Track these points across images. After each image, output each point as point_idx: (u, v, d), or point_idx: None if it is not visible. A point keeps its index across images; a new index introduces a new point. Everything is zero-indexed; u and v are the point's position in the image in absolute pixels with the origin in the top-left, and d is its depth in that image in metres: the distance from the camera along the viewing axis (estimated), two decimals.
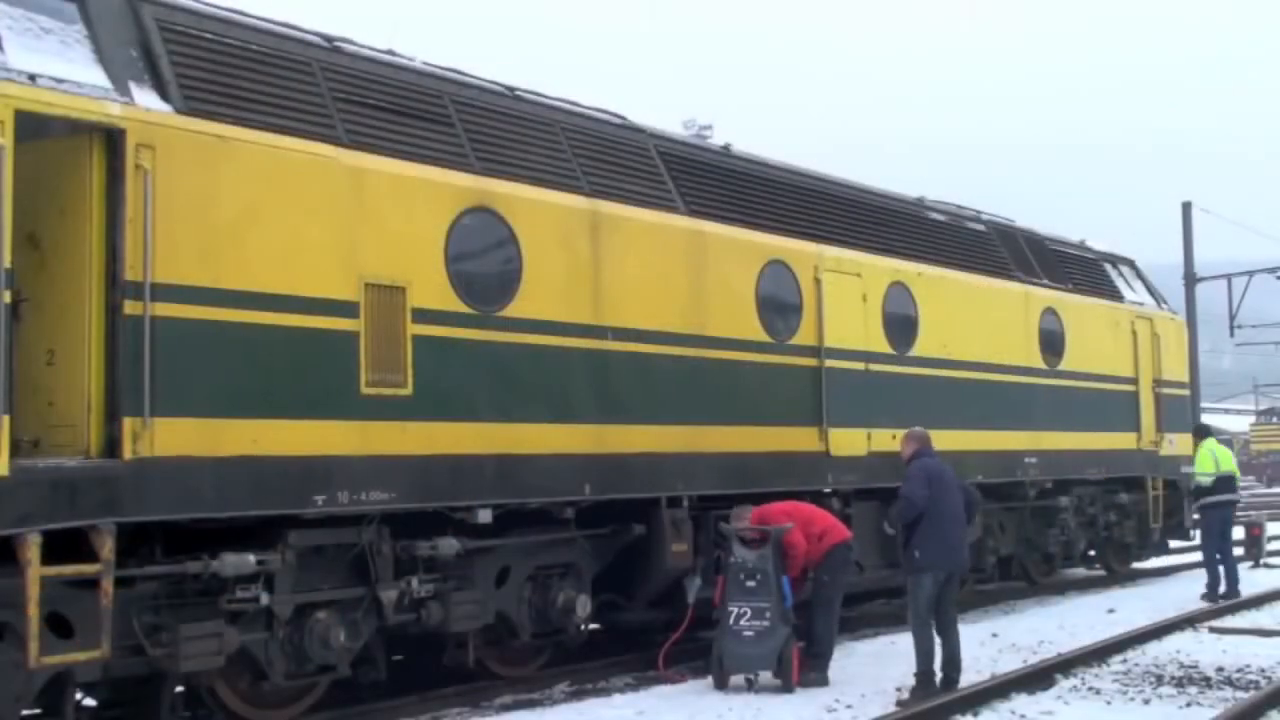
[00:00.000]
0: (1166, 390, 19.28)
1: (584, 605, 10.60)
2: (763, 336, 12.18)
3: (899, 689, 9.97)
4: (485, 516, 9.58)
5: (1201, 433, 17.25)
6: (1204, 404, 49.42)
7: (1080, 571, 19.33)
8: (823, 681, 10.44)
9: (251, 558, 8.10)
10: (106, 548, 7.27)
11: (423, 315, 9.17)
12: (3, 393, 6.90)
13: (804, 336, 12.65)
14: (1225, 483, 16.63)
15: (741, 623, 10.31)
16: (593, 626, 11.63)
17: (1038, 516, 16.72)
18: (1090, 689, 10.16)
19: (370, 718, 9.59)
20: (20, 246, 7.29)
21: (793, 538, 10.67)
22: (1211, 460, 16.59)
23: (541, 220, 10.16)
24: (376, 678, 9.58)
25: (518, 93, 10.80)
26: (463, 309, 9.48)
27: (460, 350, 9.43)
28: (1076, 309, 17.31)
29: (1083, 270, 18.34)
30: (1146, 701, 9.70)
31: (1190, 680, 10.46)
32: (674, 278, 11.31)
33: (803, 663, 10.52)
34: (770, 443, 12.01)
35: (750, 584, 10.42)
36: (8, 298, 7.04)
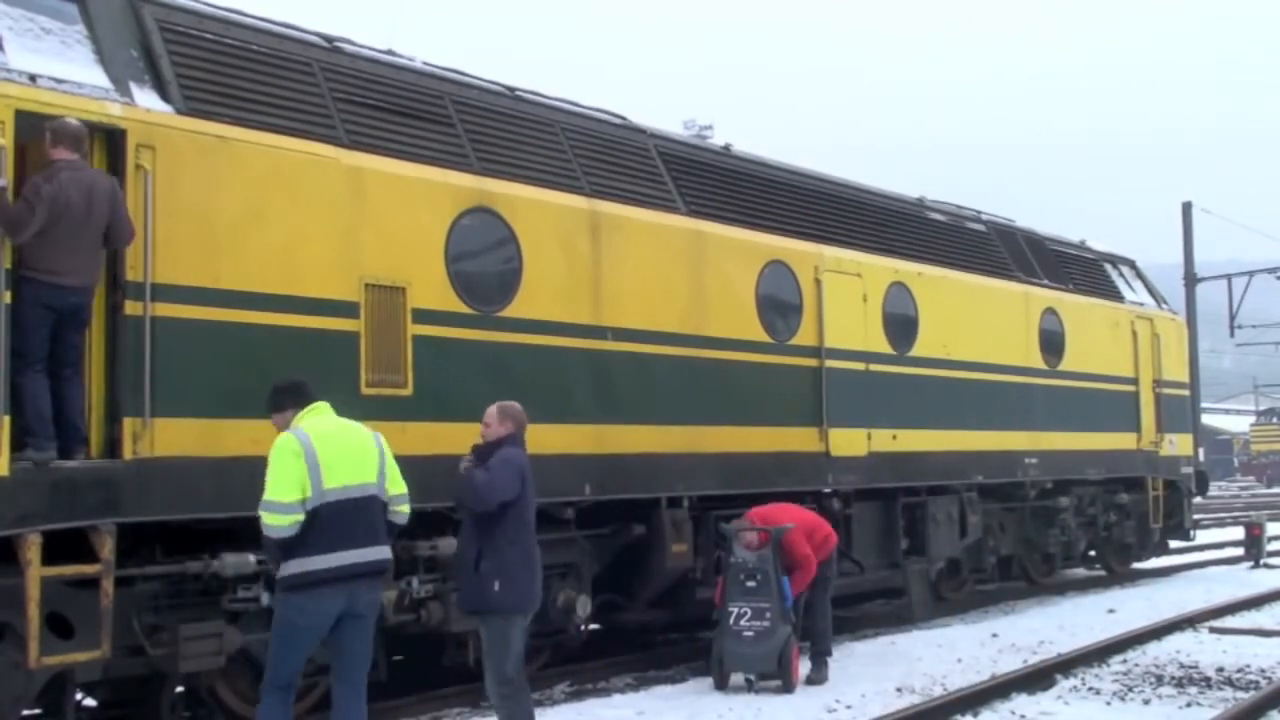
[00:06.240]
0: (1166, 390, 19.28)
1: (584, 605, 10.58)
2: (763, 337, 12.18)
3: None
4: None
5: None
6: (1204, 404, 49.44)
7: (1080, 572, 19.34)
8: (824, 680, 10.45)
9: (252, 557, 8.07)
10: (107, 548, 7.27)
11: (423, 315, 9.17)
12: (3, 393, 6.91)
13: (804, 337, 12.65)
14: None
15: (741, 623, 10.31)
16: (593, 626, 11.63)
17: (1038, 516, 16.72)
18: (1090, 689, 10.16)
19: (370, 718, 9.57)
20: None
21: (804, 550, 10.63)
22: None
23: (541, 220, 10.16)
24: (376, 678, 9.57)
25: (518, 93, 10.80)
26: (463, 309, 9.48)
27: (460, 350, 9.43)
28: (1076, 309, 17.31)
29: (1083, 270, 18.34)
30: (1146, 702, 9.70)
31: (1190, 680, 10.46)
32: (674, 278, 11.31)
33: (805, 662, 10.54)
34: (770, 443, 12.01)
35: (750, 584, 10.42)
36: (8, 298, 7.04)
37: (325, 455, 6.65)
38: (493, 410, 7.94)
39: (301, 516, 6.54)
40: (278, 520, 6.52)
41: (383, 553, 6.90)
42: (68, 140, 7.19)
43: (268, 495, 6.54)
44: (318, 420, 6.86)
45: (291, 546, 6.58)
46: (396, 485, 7.04)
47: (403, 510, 7.09)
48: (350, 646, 6.80)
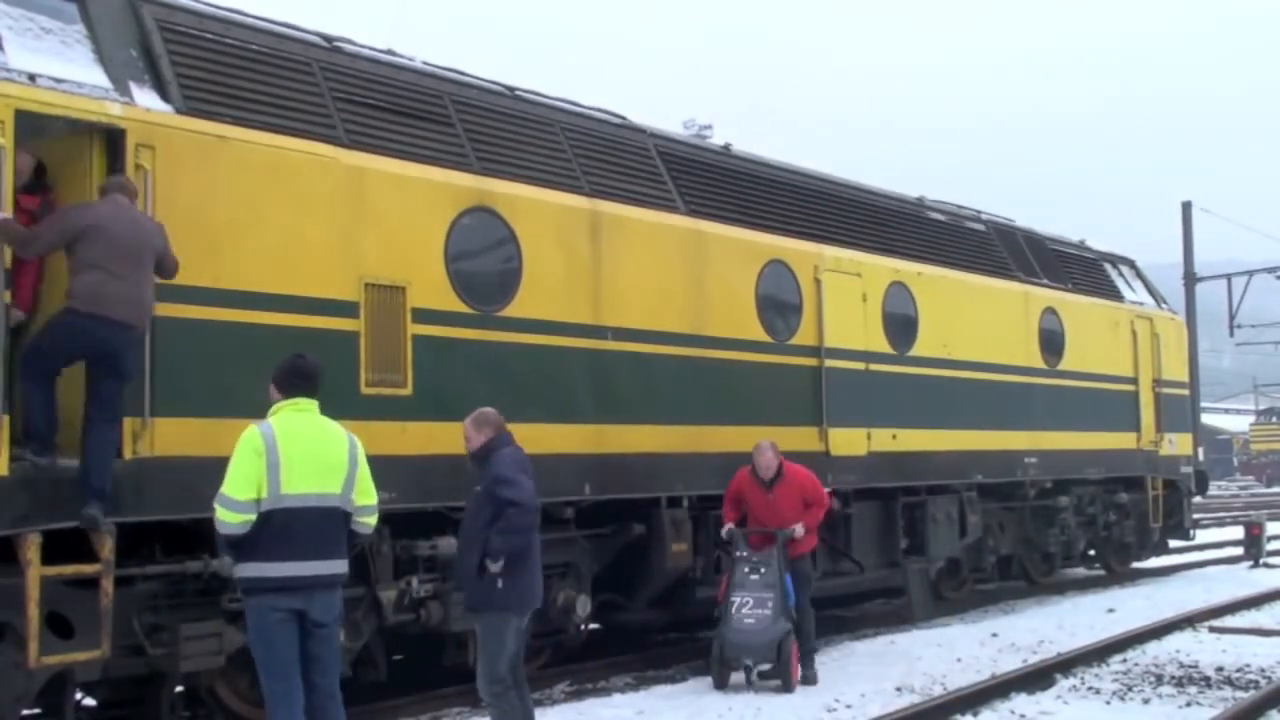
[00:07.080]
0: (1166, 390, 19.28)
1: (584, 605, 10.59)
2: (763, 336, 12.18)
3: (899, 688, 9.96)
4: None
5: None
6: (1204, 404, 49.45)
7: (1080, 571, 19.34)
8: (815, 678, 10.46)
9: None
10: (106, 547, 7.27)
11: (423, 315, 9.17)
12: (2, 393, 6.91)
13: (804, 336, 12.65)
14: None
15: (743, 611, 10.34)
16: (593, 626, 11.63)
17: (1038, 516, 16.73)
18: (1090, 689, 10.16)
19: (370, 718, 9.59)
20: None
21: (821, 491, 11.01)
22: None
23: (541, 220, 10.16)
24: (376, 678, 9.58)
25: (518, 93, 10.80)
26: (463, 309, 9.49)
27: (460, 350, 9.44)
28: (1076, 309, 17.31)
29: (1083, 270, 18.34)
30: (1146, 701, 9.70)
31: (1190, 680, 10.46)
32: (674, 278, 11.31)
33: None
34: None
35: (754, 576, 10.47)
36: (8, 298, 7.05)
37: (289, 458, 6.42)
38: (468, 423, 7.78)
39: (253, 516, 6.37)
40: (229, 517, 6.38)
41: (337, 566, 6.69)
42: (117, 190, 7.29)
43: (223, 489, 6.40)
44: (295, 418, 6.60)
45: (243, 547, 6.44)
46: (365, 496, 6.76)
47: (368, 521, 6.84)
48: (316, 653, 6.62)
